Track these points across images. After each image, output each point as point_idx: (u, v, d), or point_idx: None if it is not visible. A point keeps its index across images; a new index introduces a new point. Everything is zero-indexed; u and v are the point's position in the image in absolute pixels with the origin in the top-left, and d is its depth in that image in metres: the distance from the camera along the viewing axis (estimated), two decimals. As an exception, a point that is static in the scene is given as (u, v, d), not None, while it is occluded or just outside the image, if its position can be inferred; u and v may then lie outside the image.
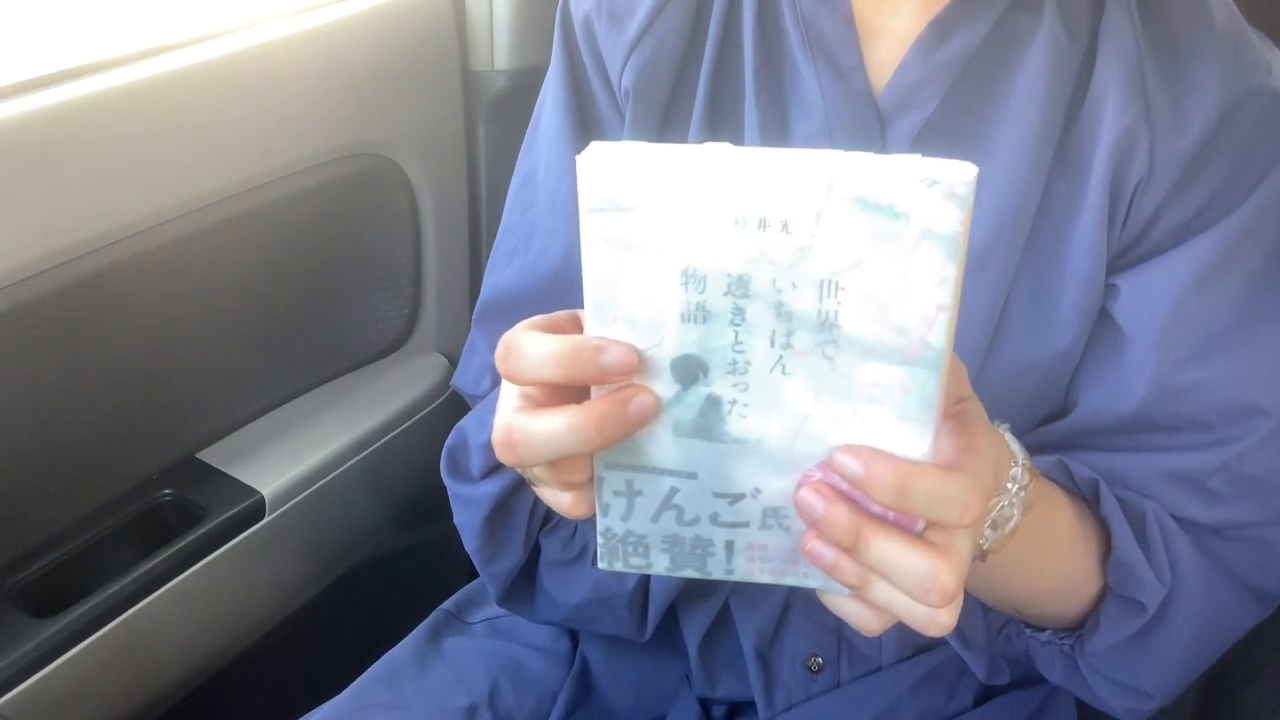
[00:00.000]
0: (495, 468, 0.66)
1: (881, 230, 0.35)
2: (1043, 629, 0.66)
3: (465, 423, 0.69)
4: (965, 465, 0.40)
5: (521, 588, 0.72)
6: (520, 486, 0.66)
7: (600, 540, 0.43)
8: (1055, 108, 0.59)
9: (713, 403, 0.39)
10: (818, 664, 0.72)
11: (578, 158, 0.36)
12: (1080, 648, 0.64)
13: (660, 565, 0.43)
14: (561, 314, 0.44)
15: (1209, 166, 0.59)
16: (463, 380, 0.75)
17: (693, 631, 0.75)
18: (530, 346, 0.39)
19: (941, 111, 0.61)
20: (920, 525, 0.40)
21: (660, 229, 0.37)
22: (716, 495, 0.41)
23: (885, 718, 0.71)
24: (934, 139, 0.61)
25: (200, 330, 0.93)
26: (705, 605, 0.74)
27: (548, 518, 0.69)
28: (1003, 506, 0.50)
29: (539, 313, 0.68)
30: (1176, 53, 0.59)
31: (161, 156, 0.85)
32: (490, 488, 0.66)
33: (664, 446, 0.40)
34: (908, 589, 0.39)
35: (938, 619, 0.40)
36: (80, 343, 0.84)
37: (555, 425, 0.38)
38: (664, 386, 0.39)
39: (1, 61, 0.79)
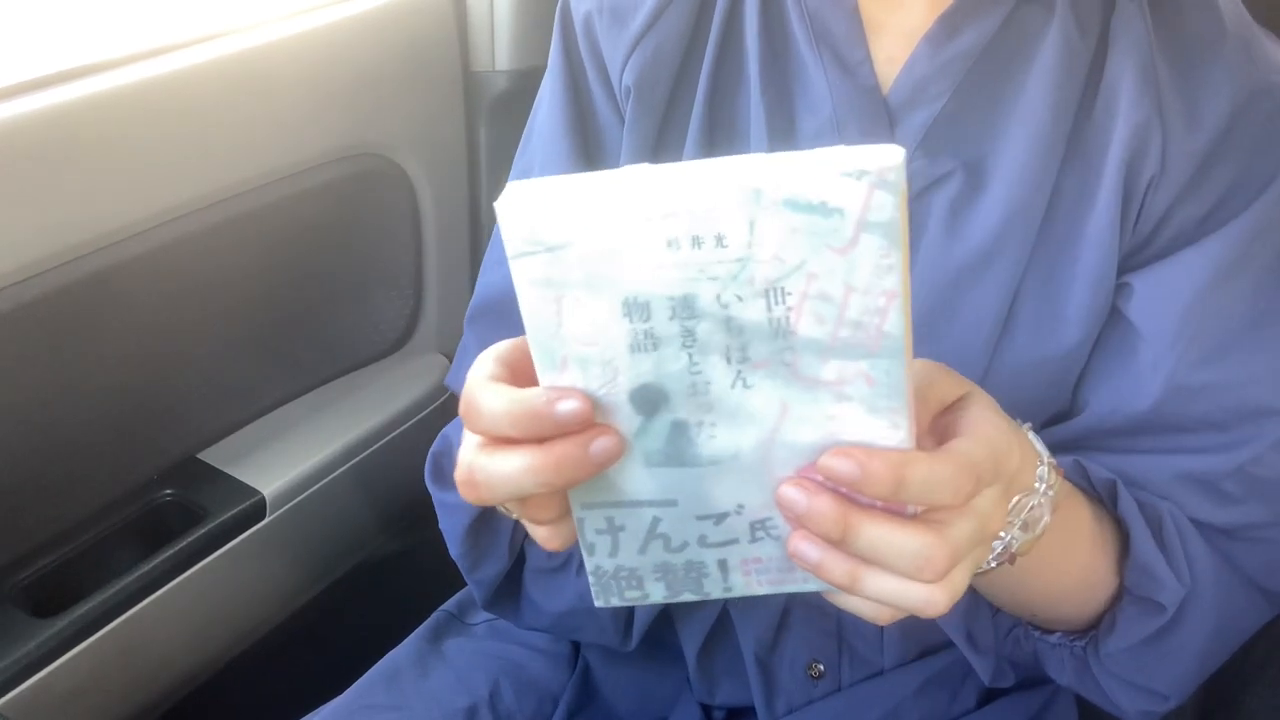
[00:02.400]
0: None
1: (817, 229, 0.34)
2: (1053, 631, 0.66)
3: (450, 429, 0.69)
4: (955, 448, 0.40)
5: (506, 594, 0.72)
6: None
7: (592, 579, 0.42)
8: (1066, 103, 0.59)
9: (679, 428, 0.38)
10: (819, 670, 0.72)
11: (495, 204, 0.35)
12: (1094, 649, 0.63)
13: (657, 594, 0.43)
14: (524, 341, 0.43)
15: (1221, 165, 0.58)
16: (455, 381, 0.75)
17: (691, 639, 0.75)
18: (487, 404, 0.39)
19: (951, 107, 0.60)
20: (911, 509, 0.39)
21: (593, 262, 0.35)
22: (700, 518, 0.40)
23: (887, 721, 0.71)
24: (943, 134, 0.61)
25: (201, 330, 0.93)
26: (702, 613, 0.73)
27: None
28: (1033, 507, 0.50)
29: None
30: (1188, 49, 0.58)
31: (162, 157, 0.85)
32: None
33: (638, 479, 0.39)
34: (902, 569, 0.38)
35: (933, 599, 0.39)
36: (80, 343, 0.83)
37: (514, 466, 0.38)
38: (626, 420, 0.38)
39: (1, 61, 0.79)
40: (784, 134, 0.63)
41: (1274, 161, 0.58)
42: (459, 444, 0.66)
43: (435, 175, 1.07)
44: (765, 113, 0.63)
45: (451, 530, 0.68)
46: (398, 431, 1.07)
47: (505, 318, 0.70)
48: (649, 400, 0.38)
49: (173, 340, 0.91)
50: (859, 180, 0.33)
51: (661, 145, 0.66)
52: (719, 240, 0.35)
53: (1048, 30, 0.59)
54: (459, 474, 0.40)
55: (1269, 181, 0.58)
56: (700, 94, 0.64)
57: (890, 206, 0.33)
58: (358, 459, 1.04)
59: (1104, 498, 0.62)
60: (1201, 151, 0.58)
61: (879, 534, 0.38)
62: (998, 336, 0.61)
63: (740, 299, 0.36)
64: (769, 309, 0.36)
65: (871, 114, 0.61)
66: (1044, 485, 0.50)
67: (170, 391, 0.92)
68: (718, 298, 0.36)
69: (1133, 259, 0.61)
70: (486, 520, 0.67)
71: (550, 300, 0.36)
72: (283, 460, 0.99)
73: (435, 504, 0.70)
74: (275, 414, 1.03)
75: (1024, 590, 0.60)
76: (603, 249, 0.35)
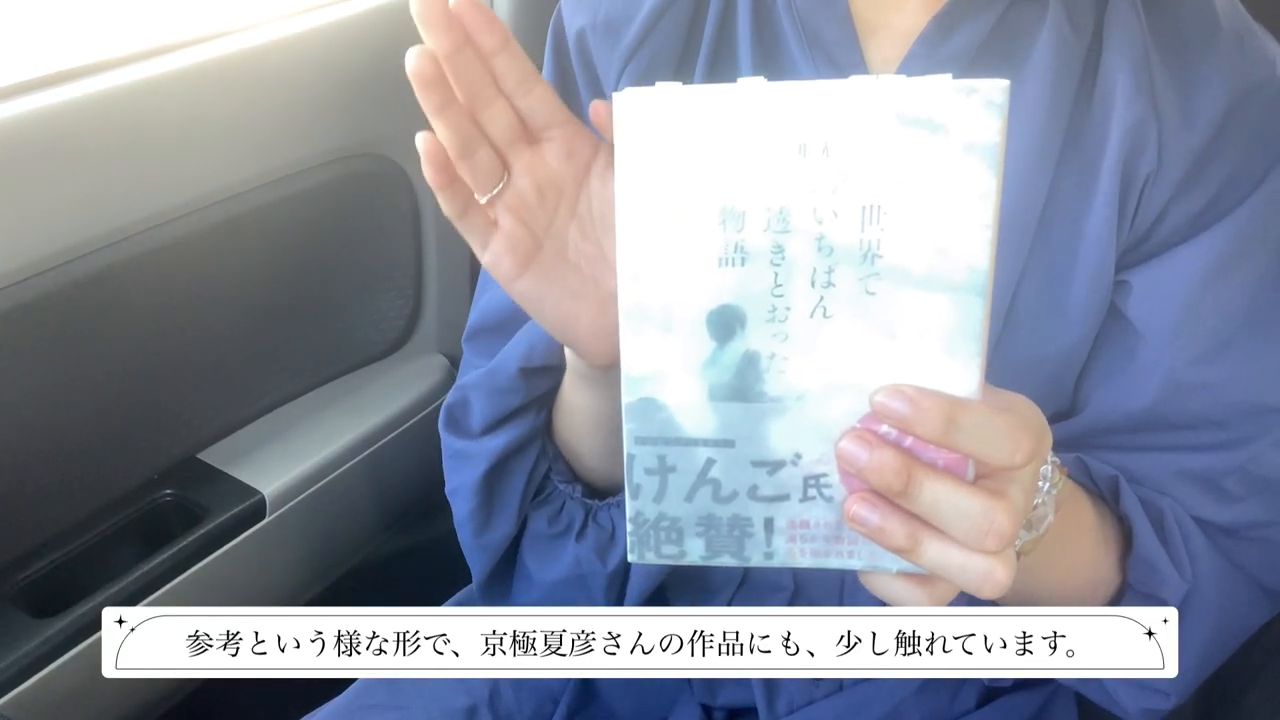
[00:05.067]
0: (497, 424, 0.66)
1: (922, 145, 0.35)
2: None
3: (467, 380, 0.68)
4: (1013, 407, 0.39)
5: (503, 573, 0.71)
6: (520, 449, 0.66)
7: (630, 528, 0.41)
8: (1062, 101, 0.59)
9: (750, 360, 0.38)
10: (819, 668, 0.72)
11: (614, 95, 0.36)
12: None
13: (695, 553, 0.41)
14: None
15: (1217, 160, 0.58)
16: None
17: (692, 636, 0.74)
18: None
19: None
20: (970, 474, 0.39)
21: (698, 169, 0.36)
22: (755, 464, 0.40)
23: (887, 721, 0.71)
24: None
25: (201, 330, 0.93)
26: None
27: (540, 490, 0.69)
28: (1037, 506, 0.50)
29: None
30: (1182, 45, 0.58)
31: (162, 157, 0.85)
32: (492, 443, 0.65)
33: (699, 413, 0.39)
34: (962, 534, 0.38)
35: (994, 574, 0.38)
36: (80, 343, 0.83)
37: None
38: (699, 346, 0.38)
39: (1, 61, 0.79)
40: None
41: (1269, 156, 0.58)
42: (476, 395, 0.66)
43: (435, 175, 1.07)
44: None
45: (465, 484, 0.67)
46: (397, 432, 1.07)
47: (505, 333, 0.70)
48: (725, 324, 0.38)
49: (173, 340, 0.91)
50: (968, 97, 0.35)
51: None
52: (825, 150, 0.36)
53: (1041, 29, 0.59)
54: None
55: (1264, 176, 0.59)
56: None
57: (994, 130, 0.35)
58: (358, 459, 1.04)
59: (1106, 494, 0.62)
60: (1197, 147, 0.58)
61: (941, 489, 0.38)
62: (998, 334, 0.61)
63: (835, 215, 0.36)
64: (862, 228, 0.36)
65: None
66: (1048, 484, 0.50)
67: (170, 391, 0.92)
68: (814, 211, 0.36)
69: (1130, 255, 0.61)
70: (501, 473, 0.66)
71: (647, 203, 0.37)
72: (283, 460, 0.99)
73: (447, 459, 0.69)
74: (275, 414, 1.03)
75: (1029, 588, 0.60)
76: (708, 156, 0.36)
